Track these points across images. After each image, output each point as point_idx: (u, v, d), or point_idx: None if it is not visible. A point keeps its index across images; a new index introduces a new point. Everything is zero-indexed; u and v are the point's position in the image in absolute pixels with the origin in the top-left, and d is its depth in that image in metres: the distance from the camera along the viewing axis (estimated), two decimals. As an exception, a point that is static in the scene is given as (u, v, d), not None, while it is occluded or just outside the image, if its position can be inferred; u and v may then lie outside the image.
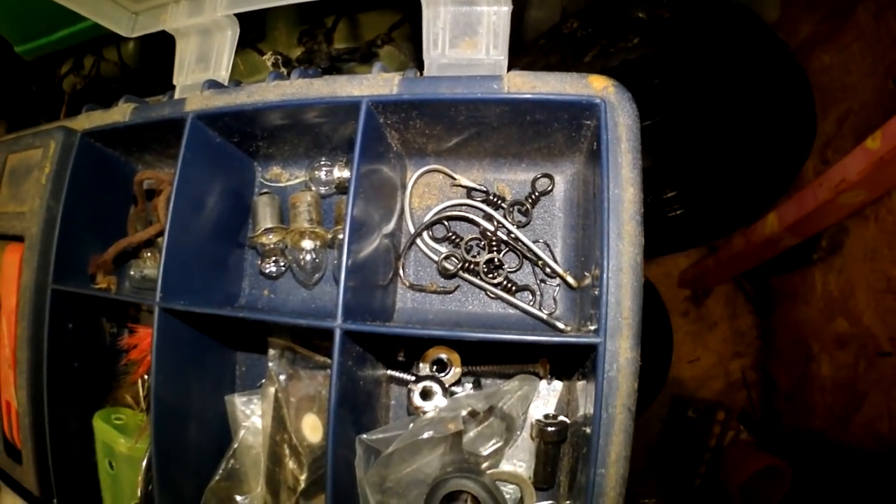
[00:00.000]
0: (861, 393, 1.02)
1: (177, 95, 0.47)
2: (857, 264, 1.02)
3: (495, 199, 0.39)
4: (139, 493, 0.42)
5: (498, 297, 0.38)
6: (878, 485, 0.95)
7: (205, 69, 0.47)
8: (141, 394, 0.45)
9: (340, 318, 0.30)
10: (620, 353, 0.29)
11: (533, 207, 0.39)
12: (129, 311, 0.48)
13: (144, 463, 0.41)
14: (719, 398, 1.23)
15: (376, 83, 0.36)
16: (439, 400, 0.34)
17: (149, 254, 0.45)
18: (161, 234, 0.44)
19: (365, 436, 0.33)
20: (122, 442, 0.43)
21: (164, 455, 0.38)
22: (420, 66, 0.40)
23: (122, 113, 0.46)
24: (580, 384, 0.36)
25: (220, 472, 0.41)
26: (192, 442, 0.41)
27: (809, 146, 1.04)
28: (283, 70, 0.54)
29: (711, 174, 0.95)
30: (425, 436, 0.32)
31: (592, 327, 0.33)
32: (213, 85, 0.41)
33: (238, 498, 0.41)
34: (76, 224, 0.46)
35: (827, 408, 1.10)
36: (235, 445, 0.41)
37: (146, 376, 0.45)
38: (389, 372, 0.37)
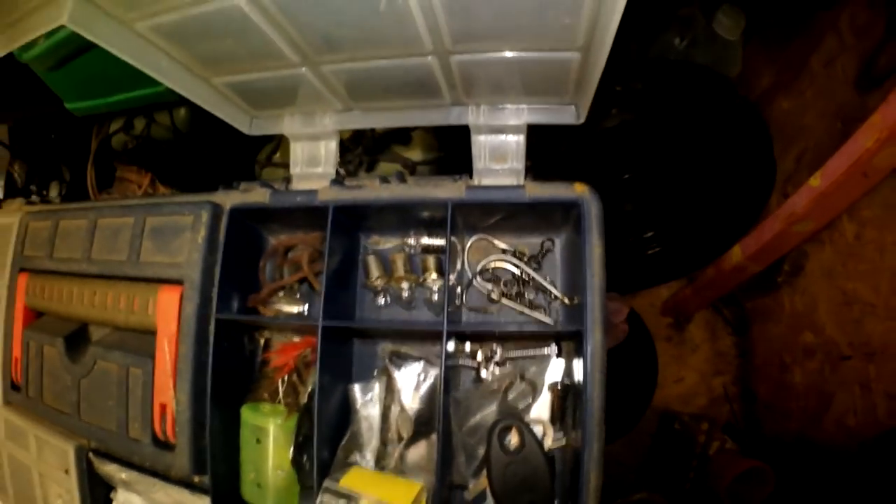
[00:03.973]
0: (829, 394, 1.54)
1: (295, 185, 0.91)
2: (817, 283, 1.56)
3: (519, 256, 0.85)
4: (290, 457, 0.84)
5: (523, 313, 0.84)
6: (851, 473, 1.45)
7: (315, 165, 0.92)
8: (280, 390, 0.88)
9: (446, 324, 0.75)
10: (596, 337, 0.75)
11: (542, 259, 0.86)
12: (263, 332, 0.91)
13: (294, 436, 0.84)
14: (704, 412, 1.74)
15: (452, 188, 0.82)
16: (494, 370, 0.80)
17: (281, 294, 0.89)
18: (301, 280, 0.89)
19: (453, 392, 0.78)
20: (273, 421, 0.86)
21: (321, 428, 0.81)
22: (448, 153, 0.86)
23: (262, 195, 0.89)
24: (575, 360, 0.82)
25: (347, 437, 0.85)
26: (329, 419, 0.84)
27: (772, 184, 1.58)
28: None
29: (686, 215, 1.46)
30: (494, 387, 0.77)
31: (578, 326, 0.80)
32: (338, 182, 0.86)
33: (357, 454, 0.85)
34: (227, 271, 0.89)
35: (801, 411, 1.63)
36: (357, 417, 0.85)
37: (285, 377, 0.88)
38: (461, 362, 0.82)
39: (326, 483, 0.79)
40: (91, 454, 1.01)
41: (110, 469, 0.99)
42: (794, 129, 1.57)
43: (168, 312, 0.90)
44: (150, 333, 0.93)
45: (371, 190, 0.84)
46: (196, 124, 1.47)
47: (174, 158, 1.04)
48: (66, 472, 1.04)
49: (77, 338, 1.06)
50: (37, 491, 1.13)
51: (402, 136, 1.15)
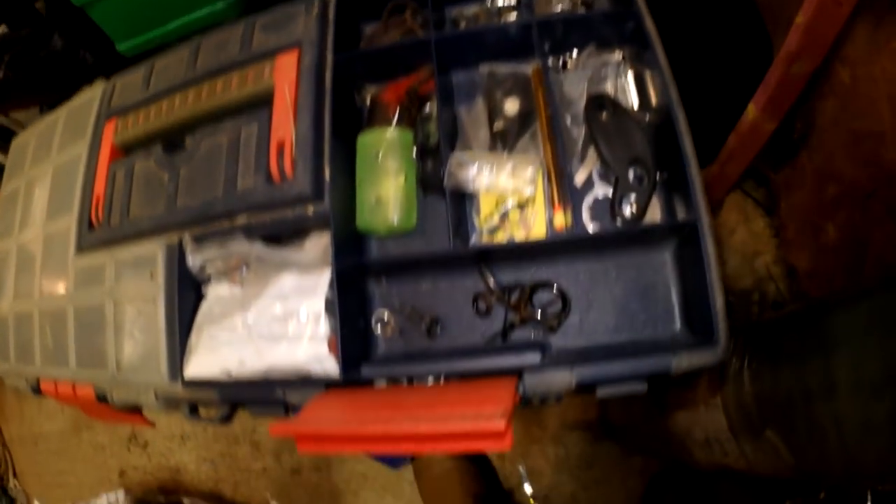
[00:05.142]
0: (864, 239, 1.84)
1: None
2: (829, 134, 1.93)
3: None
4: (414, 160, 1.12)
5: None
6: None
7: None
8: (394, 120, 1.16)
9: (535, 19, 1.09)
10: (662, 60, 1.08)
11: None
12: (369, 89, 1.22)
13: (415, 142, 1.12)
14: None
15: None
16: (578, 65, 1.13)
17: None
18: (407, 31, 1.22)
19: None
20: (391, 131, 1.13)
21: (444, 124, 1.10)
22: None
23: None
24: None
25: (458, 142, 1.13)
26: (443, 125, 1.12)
27: (771, 58, 2.02)
28: None
29: (698, 98, 1.85)
30: (579, 80, 1.09)
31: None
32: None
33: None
34: (339, 33, 1.19)
35: (842, 267, 1.92)
36: (463, 124, 1.14)
37: (397, 108, 1.17)
38: (550, 63, 1.15)
39: (455, 154, 1.07)
40: (185, 241, 1.21)
41: (207, 254, 1.20)
42: (780, 7, 2.04)
43: (286, 68, 1.17)
44: (261, 101, 1.19)
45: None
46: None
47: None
48: (152, 275, 1.23)
49: (174, 140, 1.31)
50: (108, 331, 1.28)
51: None
